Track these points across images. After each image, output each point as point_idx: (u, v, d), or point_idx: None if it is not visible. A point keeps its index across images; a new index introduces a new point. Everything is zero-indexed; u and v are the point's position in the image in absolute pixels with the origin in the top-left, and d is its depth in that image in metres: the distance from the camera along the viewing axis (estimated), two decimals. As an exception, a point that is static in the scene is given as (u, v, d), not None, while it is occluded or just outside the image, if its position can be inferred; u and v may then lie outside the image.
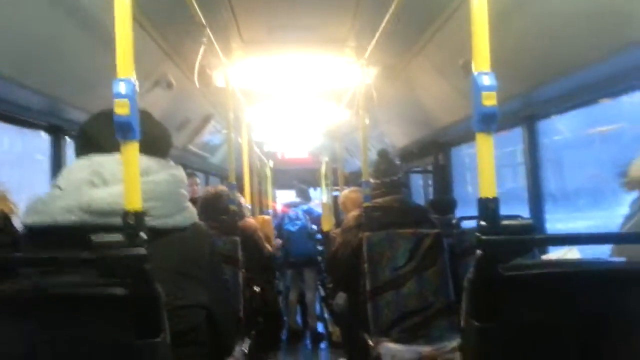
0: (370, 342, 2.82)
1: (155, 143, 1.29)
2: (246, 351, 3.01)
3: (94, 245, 1.03)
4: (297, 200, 6.52)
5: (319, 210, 6.54)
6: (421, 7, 2.59)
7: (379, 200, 3.08)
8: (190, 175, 5.14)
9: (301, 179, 7.98)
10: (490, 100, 1.20)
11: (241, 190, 4.40)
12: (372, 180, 3.19)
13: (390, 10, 2.35)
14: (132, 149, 1.12)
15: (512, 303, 1.21)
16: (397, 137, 5.57)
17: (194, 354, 1.23)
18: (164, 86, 3.34)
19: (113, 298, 1.05)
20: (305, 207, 6.31)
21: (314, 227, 6.15)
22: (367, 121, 3.55)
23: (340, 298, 3.71)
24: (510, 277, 1.19)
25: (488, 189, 1.23)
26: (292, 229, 6.03)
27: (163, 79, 3.31)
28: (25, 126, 2.70)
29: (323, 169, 7.92)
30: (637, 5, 1.78)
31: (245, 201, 4.47)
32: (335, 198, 6.30)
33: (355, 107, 3.90)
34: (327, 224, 5.64)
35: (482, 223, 1.21)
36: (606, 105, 2.83)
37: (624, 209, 2.28)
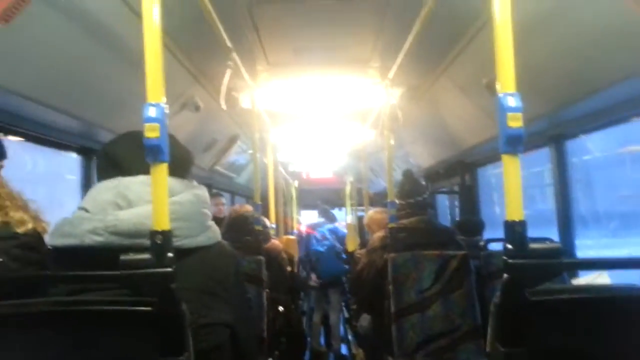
0: (395, 366, 2.78)
1: (178, 164, 1.32)
2: (269, 372, 2.99)
3: (122, 263, 1.05)
4: (321, 220, 6.52)
5: (343, 230, 6.53)
6: (444, 28, 2.61)
7: (405, 221, 3.06)
8: (215, 195, 5.20)
9: (326, 199, 7.99)
10: (516, 121, 1.19)
11: (266, 210, 4.43)
12: (397, 201, 3.17)
13: (414, 31, 2.36)
14: (161, 170, 1.15)
15: (539, 328, 1.18)
16: (423, 157, 5.55)
17: (217, 373, 1.23)
18: (191, 108, 3.42)
19: (139, 316, 1.07)
20: (330, 226, 6.30)
21: (340, 246, 6.13)
22: (392, 141, 3.55)
23: (365, 320, 3.67)
24: (538, 302, 1.17)
25: (515, 212, 1.21)
26: (321, 249, 5.98)
27: (191, 102, 3.38)
28: (59, 148, 2.79)
29: (348, 189, 7.91)
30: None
31: (270, 221, 4.50)
32: (360, 218, 6.28)
33: (380, 127, 3.90)
34: (352, 244, 5.62)
35: (509, 246, 1.19)
36: (637, 123, 2.77)
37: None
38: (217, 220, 3.62)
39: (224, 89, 2.81)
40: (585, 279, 2.32)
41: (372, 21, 2.65)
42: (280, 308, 3.65)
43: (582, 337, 1.20)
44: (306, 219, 9.59)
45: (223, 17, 2.24)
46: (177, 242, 1.16)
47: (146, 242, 1.11)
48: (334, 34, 2.89)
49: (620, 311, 1.22)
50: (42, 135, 2.53)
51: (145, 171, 1.20)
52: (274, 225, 4.61)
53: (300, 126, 5.33)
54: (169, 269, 1.07)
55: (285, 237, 5.68)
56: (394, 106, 3.59)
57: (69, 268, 1.16)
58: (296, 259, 5.25)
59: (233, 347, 1.28)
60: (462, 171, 4.88)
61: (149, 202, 1.18)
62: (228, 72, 2.75)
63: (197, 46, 2.86)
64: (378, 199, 7.39)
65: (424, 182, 5.56)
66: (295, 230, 8.18)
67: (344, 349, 6.10)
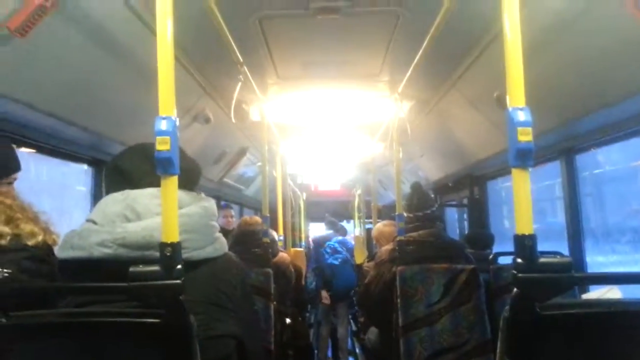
0: (403, 380, 2.75)
1: (186, 176, 1.32)
2: (276, 385, 2.97)
3: (130, 275, 1.06)
4: (330, 232, 6.50)
5: (352, 242, 6.51)
6: (454, 41, 2.61)
7: (413, 234, 3.04)
8: (224, 207, 5.22)
9: (334, 211, 7.98)
10: (526, 135, 1.19)
11: (274, 222, 4.43)
12: (405, 214, 3.16)
13: (424, 45, 2.37)
14: (171, 183, 1.15)
15: (549, 343, 1.17)
16: (432, 171, 5.54)
17: (224, 385, 1.23)
18: (201, 121, 3.45)
19: (146, 328, 1.07)
20: (339, 238, 6.28)
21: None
22: (400, 154, 3.55)
23: (372, 333, 3.64)
24: (548, 317, 1.16)
25: (525, 226, 1.20)
26: (336, 262, 5.93)
27: (201, 114, 3.41)
28: (71, 160, 2.82)
29: (356, 202, 7.90)
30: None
31: (278, 233, 4.49)
32: (369, 231, 6.26)
33: (389, 140, 3.91)
34: (360, 257, 5.60)
35: (519, 260, 1.18)
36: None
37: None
38: (226, 232, 3.63)
39: (234, 102, 2.83)
40: (596, 293, 2.29)
41: (382, 35, 2.67)
42: (288, 320, 3.63)
43: (592, 352, 1.18)
44: (314, 231, 9.58)
45: (234, 31, 2.27)
46: (185, 254, 1.17)
47: (155, 254, 1.12)
48: (344, 48, 2.91)
49: (632, 326, 1.20)
50: (53, 146, 2.56)
51: (154, 184, 1.21)
52: (282, 237, 4.61)
53: (309, 139, 5.35)
54: (178, 281, 1.07)
55: (293, 249, 5.67)
56: (403, 119, 3.59)
57: (78, 280, 1.17)
58: (304, 271, 5.24)
59: (240, 359, 1.28)
60: (471, 184, 4.86)
61: (157, 214, 1.19)
62: (238, 85, 2.77)
63: (208, 59, 2.89)
64: (386, 212, 7.38)
65: (432, 195, 5.54)
66: (303, 243, 8.17)
67: (351, 363, 6.06)
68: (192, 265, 1.20)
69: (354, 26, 2.58)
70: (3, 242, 1.44)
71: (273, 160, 5.00)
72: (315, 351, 5.67)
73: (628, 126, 2.59)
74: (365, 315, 4.17)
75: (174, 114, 1.17)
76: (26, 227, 1.49)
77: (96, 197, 2.94)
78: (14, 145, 1.82)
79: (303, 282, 4.70)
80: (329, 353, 6.24)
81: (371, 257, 4.78)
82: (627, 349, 1.18)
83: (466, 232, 5.45)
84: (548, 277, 1.17)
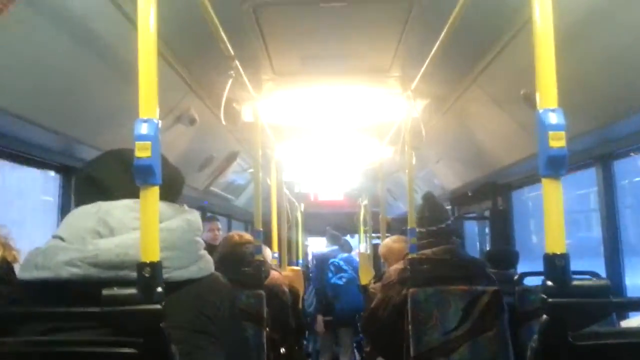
0: (416, 419, 2.74)
1: (168, 186, 1.30)
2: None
3: (104, 299, 1.05)
4: (334, 247, 6.49)
5: (357, 259, 6.50)
6: (475, 32, 2.62)
7: (427, 251, 3.04)
8: (210, 219, 5.21)
9: (336, 224, 7.98)
10: (558, 141, 1.19)
11: (268, 237, 4.43)
12: (417, 229, 3.16)
13: (440, 36, 2.37)
14: (152, 194, 1.15)
15: (584, 378, 1.17)
16: (449, 178, 5.54)
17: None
18: (186, 122, 3.45)
19: (122, 359, 1.06)
20: (344, 255, 6.26)
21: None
22: (413, 160, 3.55)
23: (380, 365, 3.63)
24: (583, 347, 1.16)
25: (556, 243, 1.20)
26: (340, 282, 5.92)
27: (185, 115, 3.41)
28: (35, 166, 2.82)
29: (361, 214, 7.90)
30: None
31: (273, 250, 4.49)
32: (375, 247, 6.25)
33: (400, 143, 3.91)
34: (365, 277, 5.58)
35: (549, 283, 1.18)
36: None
37: None
38: (212, 247, 3.59)
39: (223, 100, 2.83)
40: (637, 320, 2.28)
41: (393, 26, 2.67)
42: (282, 350, 3.62)
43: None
44: (313, 247, 9.57)
45: (224, 20, 2.26)
46: (165, 274, 1.16)
47: (130, 274, 1.11)
48: (349, 40, 2.92)
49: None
50: (16, 151, 2.56)
51: (130, 194, 1.20)
52: (276, 255, 4.60)
53: (308, 142, 5.36)
54: (158, 306, 1.06)
55: (289, 268, 5.66)
56: (417, 120, 3.60)
57: (42, 304, 1.16)
58: (302, 293, 5.22)
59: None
60: (494, 194, 4.87)
61: (133, 229, 1.18)
62: (229, 82, 2.78)
63: (194, 52, 2.90)
64: (396, 226, 7.36)
65: (448, 207, 5.54)
66: (300, 260, 8.16)
67: (356, 398, 6.03)
68: (173, 286, 1.19)
69: (361, 15, 2.58)
70: None
71: (267, 167, 5.00)
72: (314, 384, 5.66)
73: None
74: (370, 344, 4.15)
75: (156, 116, 1.17)
76: (-20, 242, 1.49)
77: (64, 209, 2.94)
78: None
79: (300, 306, 4.68)
80: (330, 386, 6.23)
81: (378, 277, 4.77)
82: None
83: (487, 248, 5.45)
84: (582, 302, 1.17)
